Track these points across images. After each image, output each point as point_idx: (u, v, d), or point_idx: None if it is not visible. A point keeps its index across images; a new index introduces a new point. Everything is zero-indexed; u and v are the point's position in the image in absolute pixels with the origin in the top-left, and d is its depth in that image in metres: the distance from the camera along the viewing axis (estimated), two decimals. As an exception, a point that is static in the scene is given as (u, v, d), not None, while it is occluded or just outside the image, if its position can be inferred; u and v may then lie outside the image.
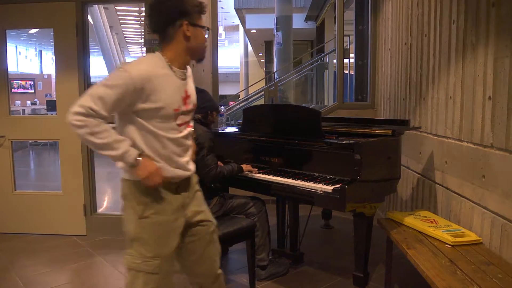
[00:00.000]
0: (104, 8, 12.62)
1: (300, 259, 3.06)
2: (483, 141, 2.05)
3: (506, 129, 1.83)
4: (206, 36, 1.69)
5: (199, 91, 2.87)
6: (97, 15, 12.06)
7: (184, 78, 1.67)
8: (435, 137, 2.71)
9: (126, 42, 18.62)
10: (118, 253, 3.34)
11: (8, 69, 3.83)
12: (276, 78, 8.64)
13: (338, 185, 2.24)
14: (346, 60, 6.89)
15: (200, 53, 1.69)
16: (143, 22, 3.58)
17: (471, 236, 2.08)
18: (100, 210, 4.05)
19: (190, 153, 1.76)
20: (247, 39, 16.97)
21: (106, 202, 5.06)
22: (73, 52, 3.58)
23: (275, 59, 9.82)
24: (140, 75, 1.50)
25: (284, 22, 9.39)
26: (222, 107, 5.01)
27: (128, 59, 19.49)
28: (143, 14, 3.51)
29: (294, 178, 2.55)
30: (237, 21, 15.77)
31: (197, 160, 2.57)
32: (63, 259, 3.22)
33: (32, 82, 12.80)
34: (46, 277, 2.92)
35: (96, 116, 1.46)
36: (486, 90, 2.02)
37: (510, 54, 1.81)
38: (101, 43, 12.70)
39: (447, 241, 2.05)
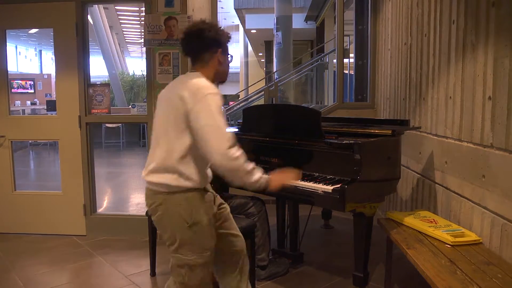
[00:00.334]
0: (104, 8, 12.64)
1: (300, 259, 3.06)
2: (483, 141, 2.05)
3: (506, 129, 1.83)
4: (230, 62, 1.97)
5: None
6: (97, 15, 12.06)
7: None
8: (435, 137, 2.71)
9: (126, 42, 18.63)
10: (118, 253, 3.34)
11: (8, 69, 3.83)
12: (276, 78, 8.63)
13: (338, 185, 2.24)
14: (346, 60, 6.88)
15: (225, 76, 1.96)
16: (143, 22, 3.59)
17: (471, 236, 2.08)
18: (100, 210, 4.06)
19: None
20: (247, 39, 16.97)
21: (106, 202, 5.06)
22: (73, 52, 3.58)
23: (275, 59, 9.83)
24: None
25: (284, 22, 9.39)
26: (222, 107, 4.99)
27: (128, 59, 19.50)
28: (143, 14, 3.51)
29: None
30: (237, 21, 15.77)
31: None
32: (63, 259, 3.22)
33: (32, 82, 12.79)
34: (46, 277, 2.92)
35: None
36: (486, 90, 2.02)
37: (510, 54, 1.81)
38: (101, 43, 12.70)
39: (447, 241, 2.05)
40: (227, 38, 1.92)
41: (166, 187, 1.78)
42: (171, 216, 1.81)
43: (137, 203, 5.01)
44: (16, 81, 12.39)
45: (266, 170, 2.76)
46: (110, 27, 13.85)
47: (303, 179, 2.50)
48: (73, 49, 3.58)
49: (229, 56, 1.95)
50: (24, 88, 12.59)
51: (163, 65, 3.45)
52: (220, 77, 1.93)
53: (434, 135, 2.73)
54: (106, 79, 14.22)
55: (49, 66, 19.56)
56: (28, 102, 12.39)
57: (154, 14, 3.42)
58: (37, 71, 19.30)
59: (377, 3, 4.41)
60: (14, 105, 11.34)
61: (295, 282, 2.79)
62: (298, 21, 11.27)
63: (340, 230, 3.85)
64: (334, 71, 5.33)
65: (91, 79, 3.76)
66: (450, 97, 2.45)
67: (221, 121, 1.70)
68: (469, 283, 1.62)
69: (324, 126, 2.70)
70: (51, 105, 9.52)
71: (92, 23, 11.65)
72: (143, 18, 3.60)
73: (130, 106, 9.43)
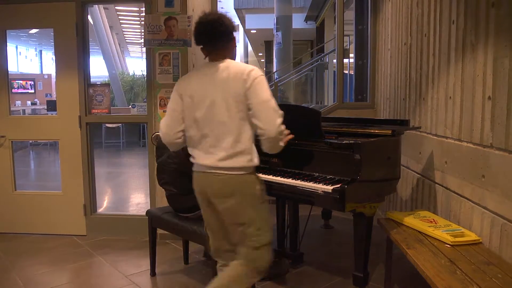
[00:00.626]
0: (104, 8, 12.63)
1: (300, 259, 3.06)
2: (482, 141, 2.05)
3: (506, 129, 1.83)
4: None
5: None
6: (97, 15, 12.06)
7: None
8: (435, 137, 2.71)
9: (126, 42, 18.63)
10: (118, 253, 3.34)
11: (9, 69, 3.83)
12: (276, 78, 8.64)
13: (338, 185, 2.25)
14: (346, 60, 6.89)
15: (235, 57, 2.06)
16: (143, 22, 3.59)
17: (471, 236, 2.08)
18: (100, 210, 4.06)
19: None
20: (247, 39, 16.97)
21: (106, 202, 5.07)
22: (73, 52, 3.59)
23: (275, 59, 9.83)
24: None
25: (284, 22, 9.39)
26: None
27: (128, 59, 19.50)
28: (143, 14, 3.51)
29: (294, 178, 2.54)
30: (237, 21, 15.75)
31: None
32: (63, 259, 3.22)
33: (32, 82, 12.80)
34: (46, 277, 2.92)
35: None
36: (485, 90, 2.02)
37: (510, 54, 1.81)
38: (101, 43, 12.70)
39: (447, 241, 2.05)
40: (235, 25, 2.05)
41: (243, 169, 1.89)
42: (249, 197, 1.92)
43: (137, 203, 5.02)
44: (16, 81, 12.40)
45: (266, 170, 2.77)
46: (110, 27, 13.84)
47: (303, 179, 2.50)
48: (73, 49, 3.59)
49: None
50: (24, 88, 12.59)
51: (163, 65, 3.45)
52: (234, 59, 2.05)
53: (434, 135, 2.73)
54: (106, 79, 14.22)
55: (50, 66, 19.56)
56: (29, 102, 12.39)
57: (154, 14, 3.43)
58: (38, 71, 19.30)
59: (377, 3, 4.41)
60: (15, 105, 11.34)
61: (295, 282, 2.79)
62: (298, 21, 11.28)
63: (340, 230, 3.85)
64: (334, 71, 5.33)
65: (91, 79, 3.77)
66: (450, 97, 2.45)
67: (272, 98, 1.87)
68: (469, 283, 1.62)
69: (324, 126, 2.70)
70: (52, 105, 9.52)
71: (92, 23, 11.65)
72: (143, 18, 3.60)
73: (130, 106, 9.45)
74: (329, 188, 2.27)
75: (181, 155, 2.48)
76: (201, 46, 1.97)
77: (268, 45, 15.10)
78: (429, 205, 2.82)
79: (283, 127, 1.88)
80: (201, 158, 1.94)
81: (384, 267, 2.60)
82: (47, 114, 9.74)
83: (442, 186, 2.58)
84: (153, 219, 2.86)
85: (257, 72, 1.87)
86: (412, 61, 3.22)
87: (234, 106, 1.85)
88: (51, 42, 14.11)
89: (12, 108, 4.53)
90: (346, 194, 2.18)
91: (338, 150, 2.40)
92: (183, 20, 3.39)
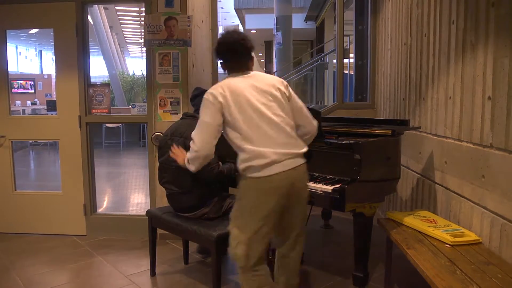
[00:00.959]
0: (104, 8, 12.62)
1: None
2: (482, 141, 2.06)
3: (506, 129, 1.83)
4: None
5: (202, 91, 2.88)
6: (97, 15, 12.06)
7: None
8: (435, 137, 2.71)
9: (126, 42, 18.62)
10: (118, 253, 3.34)
11: (9, 69, 3.83)
12: (276, 78, 8.62)
13: (338, 185, 2.25)
14: (346, 60, 6.88)
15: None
16: (143, 22, 3.60)
17: (471, 236, 2.08)
18: (100, 210, 4.06)
19: None
20: (247, 39, 16.92)
21: (106, 202, 5.06)
22: (73, 52, 3.59)
23: (275, 59, 9.83)
24: None
25: (284, 22, 9.39)
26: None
27: (128, 59, 19.50)
28: (143, 14, 3.52)
29: (294, 178, 2.54)
30: (237, 21, 15.77)
31: None
32: (63, 259, 3.22)
33: (32, 82, 12.79)
34: (46, 277, 2.92)
35: None
36: (485, 90, 2.02)
37: (510, 54, 1.81)
38: (101, 43, 12.69)
39: (447, 241, 2.05)
40: None
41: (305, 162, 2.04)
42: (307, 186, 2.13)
43: (137, 203, 5.02)
44: (16, 81, 12.39)
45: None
46: (110, 27, 13.83)
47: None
48: (73, 49, 3.59)
49: None
50: (24, 88, 12.58)
51: (163, 65, 3.45)
52: None
53: (434, 135, 2.73)
54: (106, 79, 14.22)
55: (49, 66, 19.56)
56: (29, 102, 12.38)
57: (154, 14, 3.43)
58: (38, 71, 19.30)
59: (377, 3, 4.41)
60: (15, 105, 11.34)
61: (295, 282, 2.79)
62: (298, 21, 11.28)
63: (340, 230, 3.85)
64: (334, 71, 5.33)
65: (91, 79, 3.77)
66: (450, 97, 2.45)
67: None
68: (469, 283, 1.62)
69: (324, 126, 2.71)
70: (51, 105, 9.52)
71: (92, 23, 11.65)
72: (143, 18, 3.60)
73: (130, 106, 9.44)
74: (329, 188, 2.27)
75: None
76: (228, 62, 2.09)
77: (268, 45, 15.10)
78: (429, 205, 2.82)
79: None
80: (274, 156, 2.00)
81: (384, 267, 2.60)
82: (47, 114, 9.74)
83: (442, 186, 2.58)
84: (153, 219, 2.86)
85: (286, 82, 2.19)
86: (412, 61, 3.22)
87: (284, 109, 2.07)
88: (51, 42, 14.11)
89: (12, 108, 4.54)
90: (346, 194, 2.18)
91: (338, 150, 2.41)
92: (183, 20, 3.39)
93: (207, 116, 1.99)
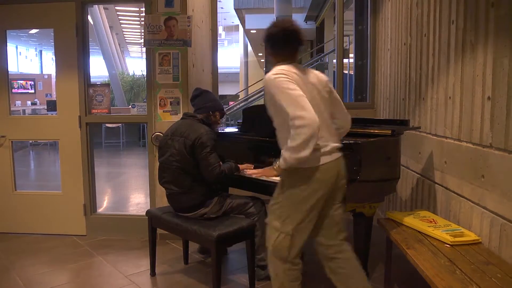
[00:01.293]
0: (104, 8, 12.63)
1: (300, 259, 3.06)
2: (482, 141, 2.06)
3: (505, 129, 1.83)
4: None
5: (202, 91, 2.89)
6: (97, 15, 12.06)
7: None
8: (435, 137, 2.71)
9: (126, 42, 18.63)
10: (118, 253, 3.35)
11: (9, 69, 3.83)
12: (276, 78, 8.61)
13: (338, 185, 2.24)
14: (345, 60, 6.89)
15: None
16: (143, 22, 3.60)
17: (471, 236, 2.08)
18: (100, 210, 4.06)
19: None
20: (246, 39, 16.98)
21: (106, 202, 5.07)
22: (73, 52, 3.59)
23: (275, 59, 9.80)
24: None
25: (284, 22, 9.37)
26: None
27: (128, 59, 19.51)
28: (143, 14, 3.52)
29: (293, 178, 2.54)
30: (236, 21, 15.78)
31: (200, 159, 2.59)
32: (63, 259, 3.23)
33: (32, 82, 12.79)
34: (46, 277, 2.93)
35: None
36: (485, 90, 2.02)
37: (509, 54, 1.81)
38: (101, 43, 12.70)
39: (447, 241, 2.05)
40: None
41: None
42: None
43: (137, 203, 5.02)
44: (16, 81, 12.39)
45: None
46: (110, 27, 13.84)
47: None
48: (73, 49, 3.59)
49: None
50: (24, 88, 12.58)
51: (163, 65, 3.46)
52: None
53: (434, 135, 2.73)
54: (106, 79, 14.23)
55: (50, 66, 19.57)
56: (29, 102, 12.39)
57: (154, 14, 3.43)
58: (38, 71, 19.31)
59: (377, 3, 4.41)
60: (15, 105, 11.34)
61: (295, 282, 2.79)
62: (298, 21, 11.24)
63: (340, 230, 3.84)
64: (334, 71, 5.33)
65: (91, 79, 3.77)
66: (450, 97, 2.46)
67: None
68: (469, 283, 1.62)
69: (323, 126, 2.70)
70: (51, 105, 9.52)
71: (92, 23, 11.65)
72: (143, 18, 3.60)
73: (130, 106, 9.45)
74: (329, 188, 2.27)
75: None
76: (283, 51, 2.07)
77: (268, 45, 15.06)
78: (428, 205, 2.82)
79: None
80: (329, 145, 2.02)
81: (384, 267, 2.60)
82: (47, 114, 9.75)
83: (442, 186, 2.59)
84: (153, 219, 2.86)
85: None
86: (412, 61, 3.22)
87: (333, 101, 2.15)
88: (51, 42, 14.12)
89: (12, 108, 4.54)
90: (346, 194, 2.18)
91: (338, 150, 2.40)
92: (183, 20, 3.40)
93: (292, 88, 1.85)
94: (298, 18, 11.20)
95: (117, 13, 14.39)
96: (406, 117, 3.33)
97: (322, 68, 9.47)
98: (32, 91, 12.74)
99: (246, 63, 18.91)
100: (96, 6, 11.02)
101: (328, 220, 2.11)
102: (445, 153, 2.53)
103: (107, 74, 13.66)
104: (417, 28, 3.06)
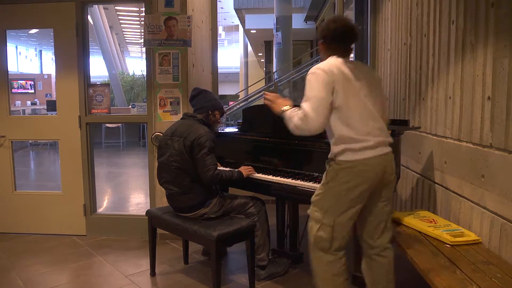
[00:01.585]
0: (104, 8, 12.65)
1: (300, 259, 3.07)
2: (482, 141, 2.06)
3: (505, 129, 1.83)
4: None
5: (200, 91, 2.89)
6: (97, 15, 12.07)
7: None
8: (435, 137, 2.71)
9: (126, 42, 18.65)
10: (118, 253, 3.35)
11: (9, 69, 3.83)
12: (276, 78, 8.65)
13: (338, 185, 2.24)
14: (346, 60, 6.86)
15: None
16: (143, 22, 3.60)
17: (471, 236, 2.08)
18: (100, 210, 4.06)
19: None
20: (246, 39, 16.98)
21: (106, 202, 5.07)
22: (73, 52, 3.59)
23: (274, 59, 9.84)
24: None
25: (283, 22, 9.40)
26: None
27: (128, 59, 19.52)
28: (143, 14, 3.52)
29: (294, 178, 2.55)
30: (236, 21, 15.78)
31: (197, 158, 2.59)
32: (63, 259, 3.23)
33: (32, 82, 12.79)
34: (46, 277, 2.93)
35: None
36: (485, 90, 2.02)
37: (509, 54, 1.81)
38: (101, 43, 12.71)
39: (447, 241, 2.05)
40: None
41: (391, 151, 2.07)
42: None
43: (137, 203, 5.02)
44: (16, 81, 12.40)
45: (266, 170, 2.77)
46: (110, 27, 13.85)
47: (303, 179, 2.50)
48: (73, 49, 3.59)
49: None
50: (24, 88, 12.59)
51: (163, 65, 3.46)
52: None
53: (434, 135, 2.73)
54: (106, 79, 14.24)
55: (49, 66, 19.58)
56: (29, 102, 12.39)
57: (154, 14, 3.43)
58: (37, 71, 19.32)
59: (377, 3, 4.41)
60: (15, 105, 11.35)
61: (294, 282, 2.80)
62: (298, 21, 11.28)
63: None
64: (334, 71, 5.32)
65: (91, 79, 3.77)
66: (450, 97, 2.46)
67: None
68: (469, 283, 1.62)
69: (323, 126, 2.70)
70: (51, 105, 9.52)
71: (92, 23, 11.66)
72: (143, 18, 3.60)
73: (130, 106, 9.44)
74: (329, 188, 2.26)
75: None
76: (339, 45, 2.08)
77: (268, 45, 15.11)
78: (428, 205, 2.82)
79: None
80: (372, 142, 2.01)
81: (384, 267, 2.60)
82: (47, 114, 9.74)
83: (442, 186, 2.59)
84: (153, 219, 2.86)
85: None
86: (412, 61, 3.22)
87: (383, 96, 2.20)
88: (51, 42, 14.10)
89: (12, 108, 4.54)
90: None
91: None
92: (183, 20, 3.40)
93: (319, 88, 1.94)
94: (298, 18, 11.21)
95: (117, 13, 14.41)
96: (406, 117, 3.33)
97: (322, 68, 9.45)
98: (32, 91, 12.74)
99: (246, 63, 18.92)
100: (96, 6, 11.03)
101: (372, 218, 2.10)
102: (445, 153, 2.53)
103: (107, 74, 13.67)
104: (417, 28, 3.06)
